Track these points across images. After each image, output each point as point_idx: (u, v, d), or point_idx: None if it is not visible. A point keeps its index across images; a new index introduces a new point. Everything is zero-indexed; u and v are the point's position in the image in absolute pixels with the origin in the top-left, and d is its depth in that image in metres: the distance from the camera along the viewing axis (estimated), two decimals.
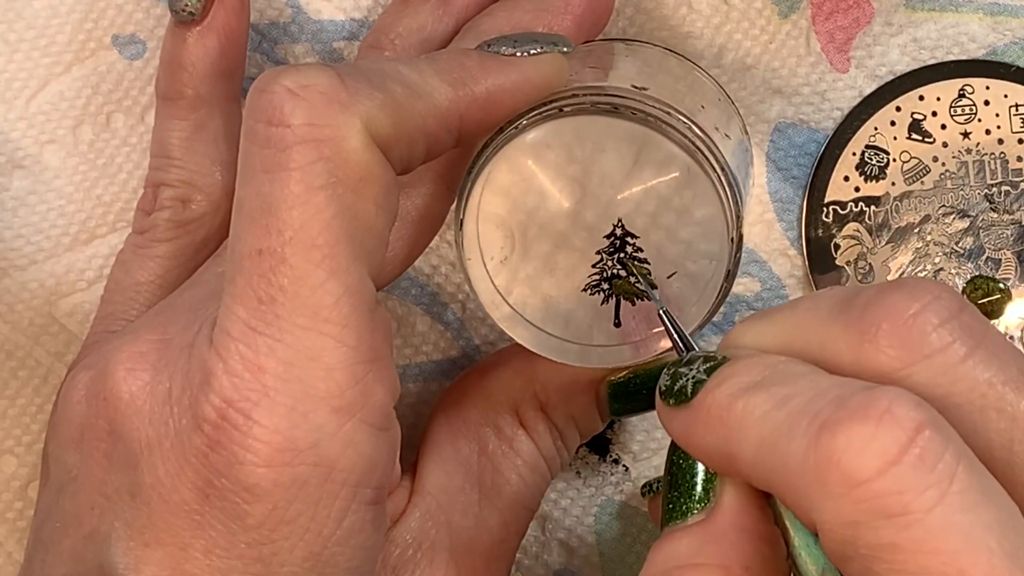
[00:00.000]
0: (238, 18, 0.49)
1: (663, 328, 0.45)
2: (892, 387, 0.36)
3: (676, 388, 0.39)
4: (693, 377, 0.39)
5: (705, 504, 0.40)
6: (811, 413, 0.36)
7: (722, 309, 0.53)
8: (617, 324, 0.45)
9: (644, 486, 0.51)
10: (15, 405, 0.53)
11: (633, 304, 0.45)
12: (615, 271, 0.45)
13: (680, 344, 0.43)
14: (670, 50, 0.51)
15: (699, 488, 0.40)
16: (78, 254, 0.53)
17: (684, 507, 0.40)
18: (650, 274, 0.45)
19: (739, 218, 0.44)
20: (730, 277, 0.45)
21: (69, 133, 0.53)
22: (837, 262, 0.53)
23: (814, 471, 0.35)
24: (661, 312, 0.44)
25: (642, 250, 0.45)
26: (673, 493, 0.40)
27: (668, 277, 0.45)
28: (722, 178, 0.44)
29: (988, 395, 0.37)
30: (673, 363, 0.40)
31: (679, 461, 0.40)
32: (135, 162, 0.53)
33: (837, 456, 0.35)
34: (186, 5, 0.48)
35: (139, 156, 0.53)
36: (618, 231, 0.45)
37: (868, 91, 0.53)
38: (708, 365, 0.39)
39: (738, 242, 0.44)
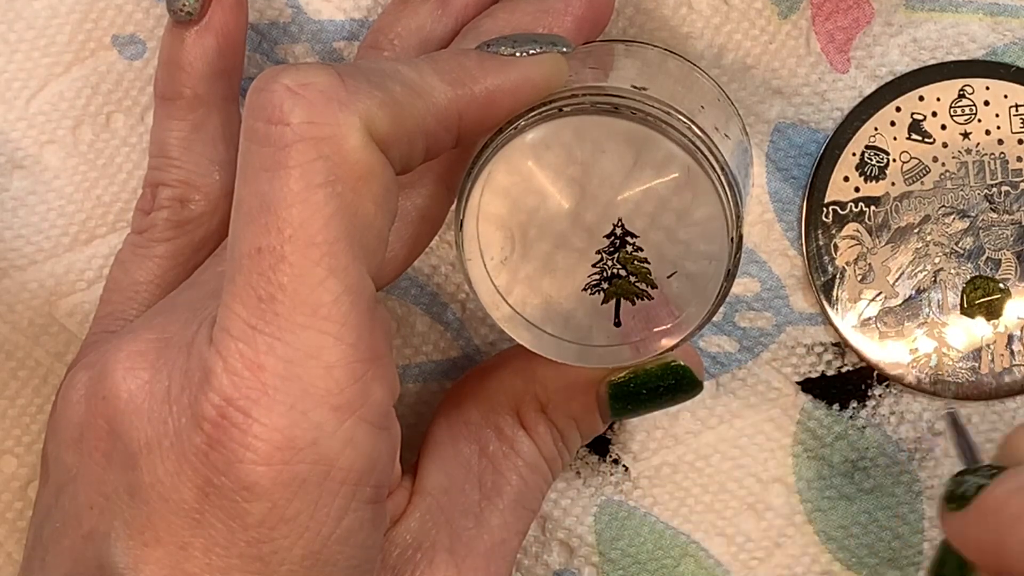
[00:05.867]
0: (236, 18, 0.49)
1: (665, 328, 0.45)
2: None
3: (959, 493, 0.42)
4: (977, 483, 0.42)
5: None
6: None
7: (722, 309, 0.53)
8: (617, 324, 0.45)
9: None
10: (15, 405, 0.53)
11: (633, 304, 0.45)
12: (615, 271, 0.45)
13: (969, 453, 0.46)
14: (670, 51, 0.51)
15: None
16: (78, 254, 0.53)
17: None
18: (650, 273, 0.45)
19: (739, 218, 0.44)
20: (730, 277, 0.45)
21: (69, 133, 0.53)
22: (837, 262, 0.53)
23: None
24: (948, 414, 0.47)
25: (642, 249, 0.45)
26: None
27: (668, 277, 0.45)
28: (722, 178, 0.44)
29: None
30: (959, 472, 0.43)
31: (946, 551, 0.44)
32: (135, 162, 0.53)
33: None
34: (184, 5, 0.48)
35: (139, 156, 0.53)
36: (618, 231, 0.45)
37: (868, 91, 0.53)
38: (992, 472, 0.42)
39: (738, 242, 0.44)
